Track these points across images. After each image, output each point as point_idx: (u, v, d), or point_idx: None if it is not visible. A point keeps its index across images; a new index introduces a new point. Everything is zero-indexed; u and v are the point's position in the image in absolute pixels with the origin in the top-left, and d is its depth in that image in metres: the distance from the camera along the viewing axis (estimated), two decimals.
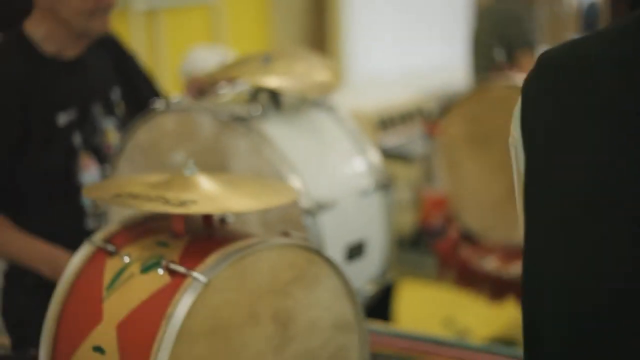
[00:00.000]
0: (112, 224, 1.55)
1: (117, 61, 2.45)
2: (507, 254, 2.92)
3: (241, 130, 1.87)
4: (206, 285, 1.36)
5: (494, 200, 3.04)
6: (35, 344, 2.12)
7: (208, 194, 1.45)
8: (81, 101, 2.29)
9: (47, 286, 2.26)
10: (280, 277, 1.48)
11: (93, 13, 2.20)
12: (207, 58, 3.81)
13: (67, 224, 2.26)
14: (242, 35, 7.03)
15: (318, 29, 7.94)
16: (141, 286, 1.43)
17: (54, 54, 2.26)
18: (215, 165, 1.91)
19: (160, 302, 1.38)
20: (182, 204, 1.39)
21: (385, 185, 2.06)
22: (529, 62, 5.23)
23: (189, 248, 1.45)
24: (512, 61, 5.39)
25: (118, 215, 2.11)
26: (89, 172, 2.27)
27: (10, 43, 2.25)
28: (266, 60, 1.99)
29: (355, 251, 2.00)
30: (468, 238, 3.03)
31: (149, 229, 1.54)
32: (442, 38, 9.35)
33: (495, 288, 2.87)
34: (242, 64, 2.03)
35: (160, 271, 1.42)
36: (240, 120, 1.87)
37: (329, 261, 1.54)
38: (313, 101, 2.08)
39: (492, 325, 4.55)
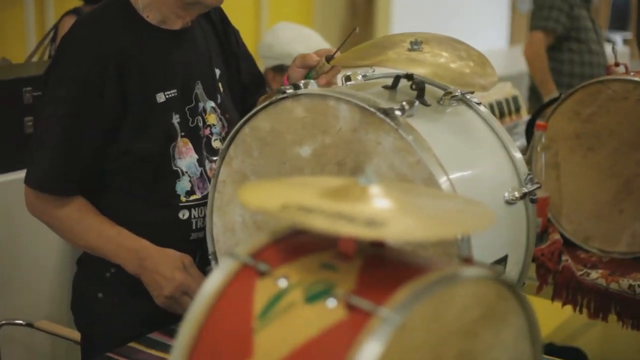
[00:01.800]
0: (260, 236, 1.28)
1: (221, 35, 2.17)
2: (613, 266, 2.66)
3: (388, 125, 1.60)
4: (398, 327, 1.09)
5: (596, 208, 2.77)
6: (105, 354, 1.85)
7: (393, 212, 1.18)
8: (184, 78, 2.02)
9: (131, 284, 2.00)
10: (469, 315, 1.21)
11: None
12: (297, 40, 3.52)
13: (160, 214, 2.01)
14: (283, 18, 6.74)
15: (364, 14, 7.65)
16: (306, 319, 1.16)
17: (158, 24, 1.99)
18: (349, 163, 1.65)
19: (336, 343, 1.12)
20: (371, 223, 1.12)
21: (530, 193, 1.80)
22: (534, 43, 4.98)
23: (364, 275, 1.18)
24: None
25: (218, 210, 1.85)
26: (187, 158, 2.01)
27: (110, 6, 1.97)
28: (415, 45, 1.71)
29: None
30: (571, 246, 2.76)
31: (306, 244, 1.27)
32: (481, 26, 9.11)
33: (598, 302, 2.61)
34: (382, 47, 1.75)
35: (331, 302, 1.15)
36: (388, 113, 1.60)
37: (520, 296, 1.28)
38: (456, 95, 1.81)
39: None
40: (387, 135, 1.60)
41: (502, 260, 1.76)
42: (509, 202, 1.75)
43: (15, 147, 2.85)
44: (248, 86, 2.28)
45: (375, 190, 1.19)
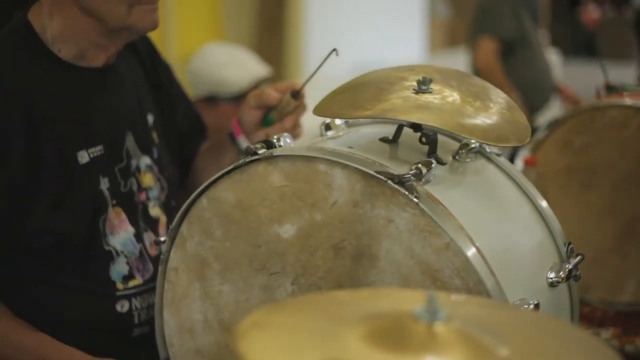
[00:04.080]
0: None
1: (150, 72, 1.73)
2: (622, 322, 2.29)
3: (403, 197, 1.17)
4: None
5: (595, 253, 2.39)
6: None
7: None
8: (111, 130, 1.57)
9: None
10: None
11: (137, 1, 1.48)
12: (229, 64, 3.09)
13: (92, 308, 1.56)
14: (192, 23, 6.23)
15: (274, 14, 7.17)
16: None
17: (73, 60, 1.54)
18: (349, 248, 1.22)
19: None
20: None
21: (574, 268, 1.40)
22: (484, 50, 4.61)
23: None
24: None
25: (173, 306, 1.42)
26: (121, 233, 1.57)
27: (12, 38, 1.51)
28: (423, 85, 1.29)
29: None
30: None
31: None
32: (397, 32, 8.77)
33: None
34: (379, 89, 1.32)
35: None
36: (402, 181, 1.18)
37: None
38: (474, 147, 1.40)
39: None
40: (402, 210, 1.18)
41: None
42: (553, 285, 1.34)
43: None
44: (187, 133, 1.84)
45: (443, 329, 0.77)
